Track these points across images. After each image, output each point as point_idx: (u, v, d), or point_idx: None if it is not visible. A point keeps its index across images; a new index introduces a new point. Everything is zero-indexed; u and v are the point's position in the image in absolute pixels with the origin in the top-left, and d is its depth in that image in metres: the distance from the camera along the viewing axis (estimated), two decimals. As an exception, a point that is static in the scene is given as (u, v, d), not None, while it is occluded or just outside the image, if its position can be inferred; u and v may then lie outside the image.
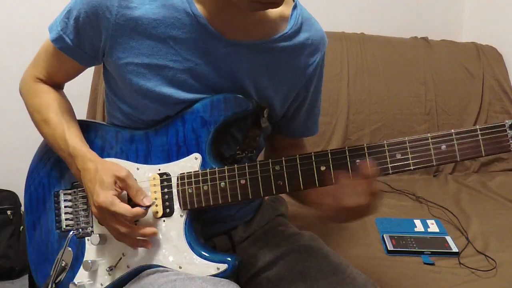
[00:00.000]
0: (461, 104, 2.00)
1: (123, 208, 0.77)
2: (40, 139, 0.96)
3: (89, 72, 1.72)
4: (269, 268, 0.92)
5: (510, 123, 0.70)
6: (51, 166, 0.95)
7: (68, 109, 0.92)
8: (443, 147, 0.72)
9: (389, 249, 1.25)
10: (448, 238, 1.31)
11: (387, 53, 2.00)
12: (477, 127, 0.71)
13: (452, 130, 0.72)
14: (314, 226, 1.28)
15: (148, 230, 0.81)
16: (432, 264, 1.20)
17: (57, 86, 0.95)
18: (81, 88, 1.69)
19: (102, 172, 0.80)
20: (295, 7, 0.89)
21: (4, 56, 1.86)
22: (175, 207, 0.83)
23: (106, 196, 0.77)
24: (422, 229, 1.37)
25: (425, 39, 2.11)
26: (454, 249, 1.25)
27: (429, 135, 0.73)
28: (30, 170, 0.97)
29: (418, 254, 1.24)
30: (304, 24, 0.89)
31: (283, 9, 0.87)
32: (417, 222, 1.40)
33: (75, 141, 0.85)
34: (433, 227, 1.38)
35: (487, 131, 0.71)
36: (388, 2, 2.27)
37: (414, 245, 1.27)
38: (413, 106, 1.95)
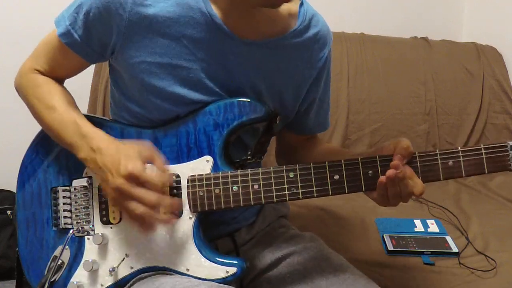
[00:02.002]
0: (461, 104, 2.00)
1: (154, 173, 0.75)
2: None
3: (89, 72, 1.72)
4: (270, 269, 0.93)
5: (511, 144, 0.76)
6: (47, 161, 0.92)
7: (73, 101, 0.90)
8: (450, 163, 0.76)
9: (389, 249, 1.25)
10: (448, 238, 1.31)
11: (387, 53, 2.00)
12: (481, 146, 0.76)
13: (459, 148, 0.77)
14: (315, 226, 1.29)
15: (176, 200, 0.80)
16: (432, 264, 1.20)
17: (58, 81, 0.92)
18: (81, 88, 1.68)
19: (124, 147, 0.78)
20: (301, 4, 0.90)
21: (4, 56, 1.86)
22: (184, 209, 0.82)
23: (135, 164, 0.74)
24: (422, 229, 1.37)
25: (425, 39, 2.11)
26: (454, 249, 1.25)
27: (437, 151, 0.77)
28: (23, 164, 0.93)
29: (418, 254, 1.24)
30: (312, 19, 0.90)
31: (291, 6, 0.89)
32: (417, 222, 1.40)
33: (86, 123, 0.83)
34: (433, 227, 1.38)
35: (491, 150, 0.76)
36: (388, 2, 2.27)
37: (414, 245, 1.26)
38: (413, 106, 1.95)
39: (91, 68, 1.72)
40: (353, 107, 1.89)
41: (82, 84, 1.65)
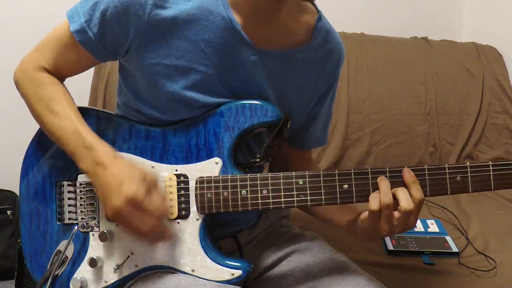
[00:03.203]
0: (461, 104, 2.00)
1: (156, 202, 0.75)
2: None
3: (89, 72, 1.72)
4: (273, 268, 0.93)
5: None
6: (52, 154, 0.90)
7: (74, 104, 0.87)
8: (458, 178, 0.77)
9: (389, 249, 1.25)
10: (448, 238, 1.31)
11: (387, 53, 2.00)
12: (490, 162, 0.77)
13: (468, 163, 0.77)
14: (316, 226, 1.29)
15: (169, 232, 0.80)
16: (432, 264, 1.20)
17: (61, 78, 0.89)
18: (81, 88, 1.68)
19: (129, 167, 0.77)
20: (320, 18, 0.90)
21: (4, 56, 1.86)
22: (191, 210, 0.82)
23: (138, 188, 0.73)
24: (422, 229, 1.37)
25: (425, 39, 2.11)
26: (454, 249, 1.25)
27: (446, 165, 0.77)
28: (27, 156, 0.91)
29: (418, 254, 1.24)
30: (328, 35, 0.91)
31: (308, 20, 0.89)
32: (417, 222, 1.40)
33: (90, 134, 0.81)
34: (433, 227, 1.38)
35: (498, 167, 0.76)
36: (388, 2, 2.27)
37: (414, 245, 1.27)
38: (413, 106, 1.95)
39: (92, 67, 1.72)
40: (353, 107, 1.89)
41: (82, 84, 1.65)
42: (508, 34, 2.13)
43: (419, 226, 1.38)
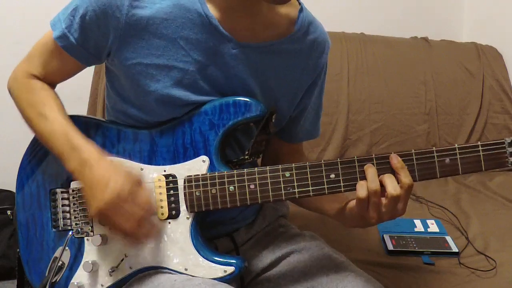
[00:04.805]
0: (461, 104, 2.00)
1: (142, 196, 0.75)
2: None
3: (89, 73, 1.72)
4: (271, 268, 0.93)
5: (509, 140, 0.74)
6: (45, 162, 0.92)
7: (63, 109, 0.89)
8: (447, 160, 0.75)
9: (389, 249, 1.25)
10: (448, 238, 1.31)
11: (387, 53, 2.00)
12: (479, 143, 0.75)
13: (456, 145, 0.76)
14: (314, 226, 1.29)
15: (154, 232, 0.80)
16: (432, 264, 1.20)
17: (51, 85, 0.91)
18: (81, 88, 1.69)
19: (116, 166, 0.78)
20: (301, 10, 0.90)
21: (4, 56, 1.86)
22: (181, 209, 0.83)
23: (124, 183, 0.75)
24: (422, 229, 1.37)
25: (425, 39, 2.11)
26: (454, 249, 1.25)
27: (434, 148, 0.76)
28: (22, 165, 0.93)
29: (418, 254, 1.24)
30: (310, 26, 0.90)
31: (290, 11, 0.89)
32: (417, 222, 1.40)
33: (78, 135, 0.82)
34: (433, 227, 1.38)
35: (488, 147, 0.75)
36: (388, 2, 2.27)
37: (414, 245, 1.27)
38: (413, 106, 1.95)
39: (91, 68, 1.72)
40: (353, 107, 1.89)
41: (82, 84, 1.65)
42: (508, 34, 2.13)
43: (419, 226, 1.38)
